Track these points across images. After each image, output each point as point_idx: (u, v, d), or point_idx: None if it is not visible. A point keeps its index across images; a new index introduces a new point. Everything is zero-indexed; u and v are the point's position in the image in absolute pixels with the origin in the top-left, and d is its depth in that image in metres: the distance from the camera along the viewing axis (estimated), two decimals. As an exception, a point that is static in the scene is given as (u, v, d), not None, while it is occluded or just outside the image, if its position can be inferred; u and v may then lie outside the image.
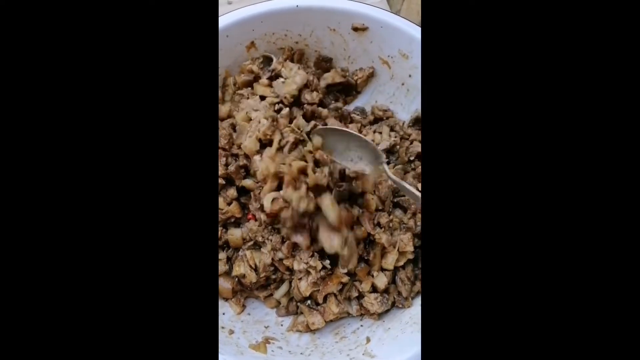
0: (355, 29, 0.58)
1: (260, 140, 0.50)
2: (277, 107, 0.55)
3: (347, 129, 0.49)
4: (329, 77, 0.61)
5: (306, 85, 0.58)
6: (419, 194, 0.41)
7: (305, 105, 0.56)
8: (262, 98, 0.56)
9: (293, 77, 0.58)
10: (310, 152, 0.47)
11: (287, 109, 0.54)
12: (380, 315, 0.51)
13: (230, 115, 0.57)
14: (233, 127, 0.53)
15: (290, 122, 0.53)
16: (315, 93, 0.58)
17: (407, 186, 0.43)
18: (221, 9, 0.78)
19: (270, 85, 0.57)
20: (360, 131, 0.57)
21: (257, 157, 0.50)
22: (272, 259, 0.48)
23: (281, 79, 0.58)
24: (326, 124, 0.54)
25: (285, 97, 0.55)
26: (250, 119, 0.53)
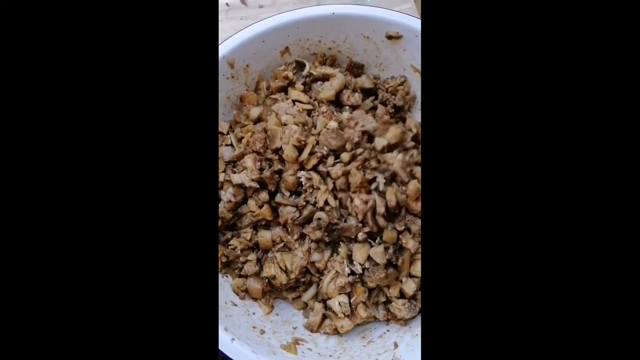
0: (390, 37, 0.59)
1: (295, 146, 0.51)
2: (309, 112, 0.56)
3: None
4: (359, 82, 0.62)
5: (346, 87, 0.60)
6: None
7: (346, 107, 0.56)
8: (294, 103, 0.57)
9: (331, 82, 0.59)
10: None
11: (326, 106, 0.55)
12: (406, 321, 0.51)
13: (261, 119, 0.58)
14: (265, 131, 0.54)
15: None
16: (357, 94, 0.59)
17: None
18: (252, 11, 0.79)
19: (304, 91, 0.58)
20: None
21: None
22: (307, 261, 0.50)
23: (319, 84, 0.59)
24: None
25: (322, 101, 0.56)
26: (282, 124, 0.54)
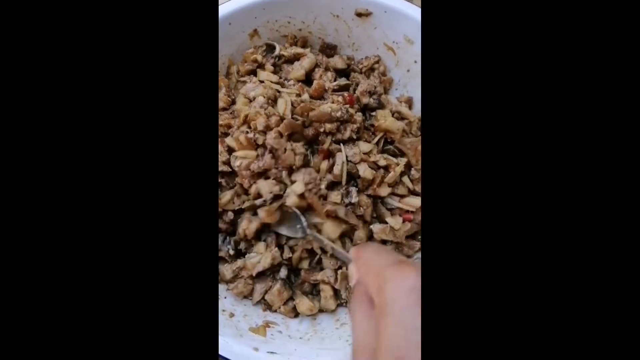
0: (359, 15, 0.58)
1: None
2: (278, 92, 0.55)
3: None
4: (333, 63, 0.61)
5: (317, 66, 0.58)
6: (348, 255, 0.37)
7: (314, 82, 0.55)
8: (262, 82, 0.56)
9: (301, 62, 0.58)
10: None
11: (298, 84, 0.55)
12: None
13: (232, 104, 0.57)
14: (232, 112, 0.54)
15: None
16: (330, 73, 0.57)
17: (335, 247, 0.43)
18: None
19: (275, 72, 0.57)
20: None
21: None
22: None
23: (290, 66, 0.58)
24: None
25: (292, 80, 0.55)
26: (250, 101, 0.53)
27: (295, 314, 0.50)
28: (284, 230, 0.49)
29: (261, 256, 0.49)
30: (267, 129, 0.48)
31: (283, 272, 0.50)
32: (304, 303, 0.49)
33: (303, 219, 0.47)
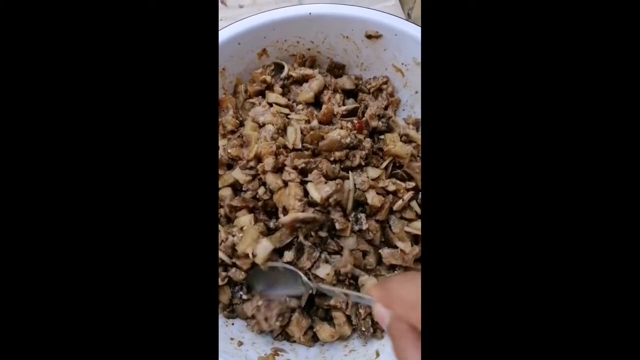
0: (369, 37, 0.58)
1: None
2: (287, 115, 0.55)
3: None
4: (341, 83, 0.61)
5: (326, 87, 0.58)
6: (368, 297, 0.36)
7: (323, 106, 0.55)
8: (271, 105, 0.56)
9: (310, 84, 0.57)
10: None
11: (307, 108, 0.54)
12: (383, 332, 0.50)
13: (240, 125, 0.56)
14: (241, 137, 0.53)
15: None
16: (338, 95, 0.57)
17: (350, 293, 0.42)
18: (232, 12, 0.78)
19: (283, 94, 0.57)
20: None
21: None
22: None
23: (299, 86, 0.58)
24: None
25: (301, 103, 0.54)
26: (260, 126, 0.53)
27: (314, 342, 0.50)
28: (282, 291, 0.47)
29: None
30: (274, 169, 0.47)
31: (301, 301, 0.49)
32: (325, 330, 0.49)
33: (301, 273, 0.46)
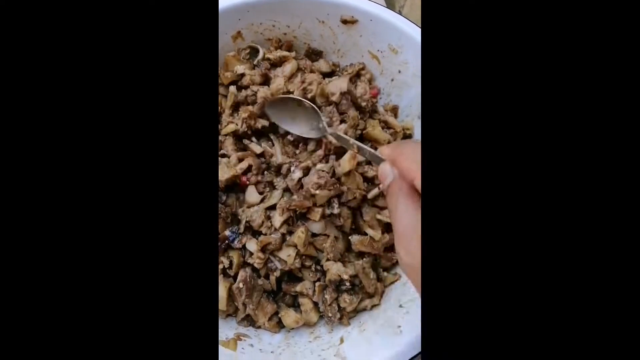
0: (345, 22, 0.57)
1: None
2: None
3: (288, 96, 0.49)
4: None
5: (299, 69, 0.57)
6: (379, 154, 0.36)
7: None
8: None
9: (282, 68, 0.57)
10: None
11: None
12: (350, 320, 0.50)
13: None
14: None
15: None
16: (315, 74, 0.56)
17: (362, 146, 0.42)
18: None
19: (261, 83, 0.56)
20: None
21: None
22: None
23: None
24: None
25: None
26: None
27: (280, 328, 0.49)
28: (296, 129, 0.48)
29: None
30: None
31: (265, 282, 0.48)
32: (290, 315, 0.48)
33: (322, 116, 0.46)
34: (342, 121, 0.51)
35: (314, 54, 0.62)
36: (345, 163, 0.48)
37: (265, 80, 0.56)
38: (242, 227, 0.48)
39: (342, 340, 0.47)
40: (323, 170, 0.47)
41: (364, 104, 0.54)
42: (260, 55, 0.58)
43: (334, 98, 0.52)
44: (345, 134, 0.49)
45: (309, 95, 0.51)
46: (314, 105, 0.47)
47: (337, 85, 0.52)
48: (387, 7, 0.58)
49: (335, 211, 0.49)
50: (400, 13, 0.78)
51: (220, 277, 0.48)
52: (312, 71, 0.57)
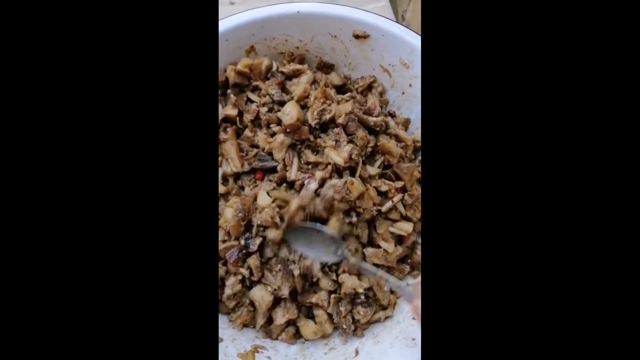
0: (357, 37, 0.58)
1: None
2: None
3: (307, 225, 0.48)
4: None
5: (315, 81, 0.58)
6: (409, 290, 0.38)
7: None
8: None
9: (299, 79, 0.58)
10: None
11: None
12: (364, 331, 0.50)
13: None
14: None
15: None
16: (329, 89, 0.57)
17: (392, 279, 0.44)
18: (223, 9, 0.77)
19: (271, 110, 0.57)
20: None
21: None
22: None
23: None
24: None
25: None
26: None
27: (296, 339, 0.50)
28: (314, 253, 0.48)
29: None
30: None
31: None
32: (309, 326, 0.49)
33: (343, 243, 0.46)
34: (350, 141, 0.52)
35: (326, 67, 0.62)
36: (353, 189, 0.48)
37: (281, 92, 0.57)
38: (254, 231, 0.49)
39: (357, 352, 0.48)
40: (339, 186, 0.48)
41: (372, 123, 0.55)
42: (274, 69, 0.59)
43: (340, 120, 0.52)
44: (351, 155, 0.49)
45: (326, 117, 0.52)
46: (334, 234, 0.47)
47: (342, 108, 0.53)
48: (392, 11, 0.58)
49: (354, 219, 0.49)
50: (403, 17, 0.79)
51: (240, 286, 0.49)
52: (326, 85, 0.58)
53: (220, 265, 0.50)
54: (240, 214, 0.49)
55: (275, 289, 0.48)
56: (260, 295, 0.48)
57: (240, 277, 0.49)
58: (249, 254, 0.49)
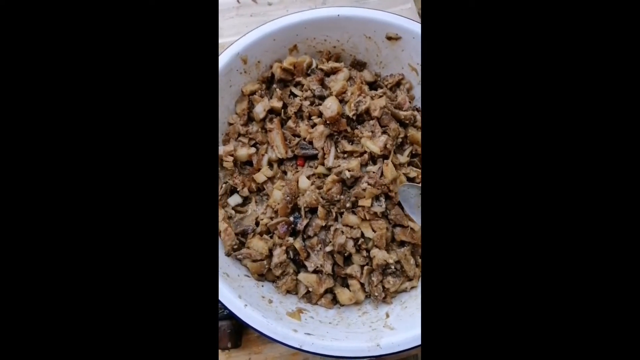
0: (389, 38, 0.64)
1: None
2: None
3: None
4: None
5: (350, 78, 0.65)
6: None
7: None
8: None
9: (337, 75, 0.64)
10: None
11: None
12: (394, 297, 0.58)
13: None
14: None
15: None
16: (363, 85, 0.63)
17: None
18: (261, 8, 0.84)
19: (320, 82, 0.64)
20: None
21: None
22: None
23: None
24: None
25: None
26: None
27: (333, 305, 0.57)
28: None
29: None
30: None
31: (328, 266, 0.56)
32: (345, 293, 0.56)
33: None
34: (384, 132, 0.59)
35: (359, 65, 0.69)
36: (388, 172, 0.55)
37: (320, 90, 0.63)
38: (302, 212, 0.56)
39: (387, 315, 0.55)
40: (374, 172, 0.55)
41: (403, 117, 0.62)
42: (313, 66, 0.65)
43: (375, 113, 0.59)
44: (386, 145, 0.57)
45: (362, 108, 0.59)
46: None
47: (377, 103, 0.60)
48: (417, 13, 0.63)
49: (383, 205, 0.56)
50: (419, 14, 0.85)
51: (285, 256, 0.56)
52: (361, 81, 0.65)
53: (268, 237, 0.57)
54: (288, 197, 0.56)
55: (318, 267, 0.56)
56: (308, 280, 0.56)
57: (284, 248, 0.56)
58: (295, 231, 0.57)
